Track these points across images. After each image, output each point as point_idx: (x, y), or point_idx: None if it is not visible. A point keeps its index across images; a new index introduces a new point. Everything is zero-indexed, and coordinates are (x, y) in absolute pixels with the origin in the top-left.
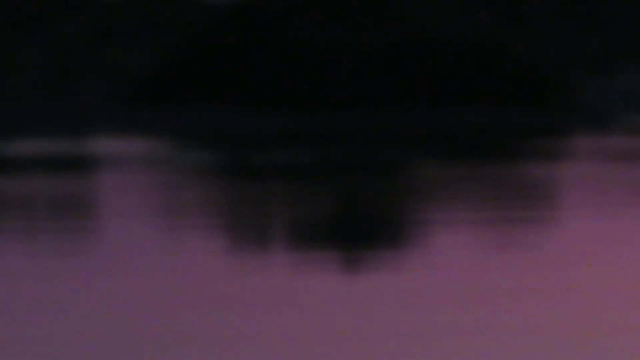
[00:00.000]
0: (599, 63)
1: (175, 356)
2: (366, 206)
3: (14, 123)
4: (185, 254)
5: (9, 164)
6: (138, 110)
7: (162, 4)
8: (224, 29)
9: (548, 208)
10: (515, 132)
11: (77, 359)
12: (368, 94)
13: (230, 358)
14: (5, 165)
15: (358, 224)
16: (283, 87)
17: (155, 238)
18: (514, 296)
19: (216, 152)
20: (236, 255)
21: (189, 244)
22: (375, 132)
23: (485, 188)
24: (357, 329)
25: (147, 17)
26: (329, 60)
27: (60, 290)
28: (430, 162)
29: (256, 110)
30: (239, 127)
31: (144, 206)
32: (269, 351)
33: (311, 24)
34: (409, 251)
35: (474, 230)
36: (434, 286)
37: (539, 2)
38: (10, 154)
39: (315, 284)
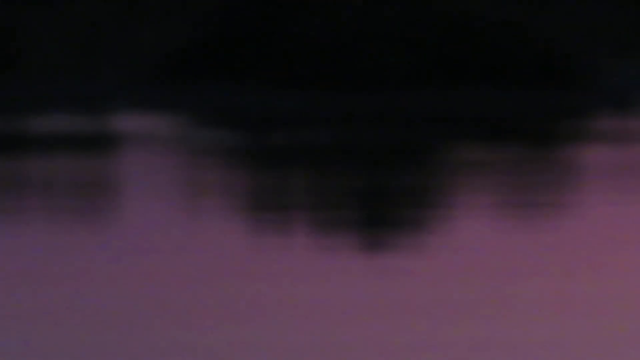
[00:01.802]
0: (622, 44)
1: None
2: (389, 189)
3: (36, 99)
4: (206, 236)
5: (30, 141)
6: (161, 87)
7: None
8: (248, 7)
9: (572, 192)
10: (538, 114)
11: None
12: (391, 75)
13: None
14: (26, 142)
15: (382, 206)
16: (307, 66)
17: (176, 219)
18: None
19: (238, 131)
20: (258, 238)
21: (210, 225)
22: (397, 114)
23: (509, 171)
24: (378, 309)
25: None
26: (353, 40)
27: (80, 270)
28: (453, 145)
29: (281, 89)
30: (263, 106)
31: (166, 186)
32: (293, 330)
33: (335, 2)
34: (432, 234)
35: (497, 214)
36: (454, 269)
37: None
38: (32, 130)
39: (337, 266)
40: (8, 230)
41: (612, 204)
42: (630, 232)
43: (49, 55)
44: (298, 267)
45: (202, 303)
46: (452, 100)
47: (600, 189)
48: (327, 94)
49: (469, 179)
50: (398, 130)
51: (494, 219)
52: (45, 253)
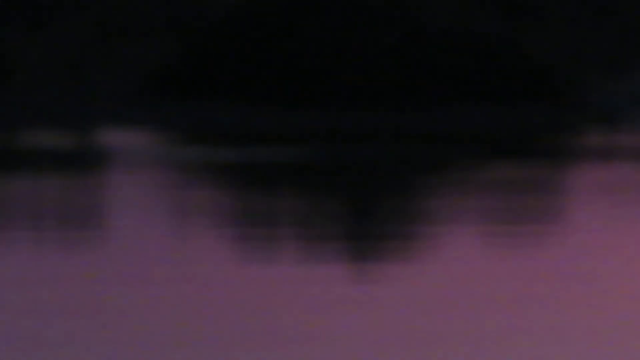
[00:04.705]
0: (610, 62)
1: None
2: (366, 208)
3: (25, 117)
4: (193, 256)
5: (18, 157)
6: (146, 105)
7: (171, 1)
8: (232, 27)
9: (558, 210)
10: (525, 130)
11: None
12: (375, 92)
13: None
14: (14, 158)
15: (363, 226)
16: (290, 85)
17: (162, 238)
18: (519, 303)
19: (222, 148)
20: (243, 260)
21: (197, 244)
22: (380, 131)
23: (493, 188)
24: (366, 335)
25: (156, 14)
26: (335, 58)
27: (65, 293)
28: (438, 163)
29: (264, 107)
30: (247, 124)
31: (151, 203)
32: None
33: (318, 22)
34: (413, 259)
35: (480, 236)
36: (436, 295)
37: (552, 0)
38: (20, 146)
39: (324, 290)
40: None
41: (602, 221)
42: (615, 245)
43: (37, 74)
44: (284, 290)
45: (193, 330)
46: (441, 117)
47: (589, 207)
48: (313, 112)
49: (455, 199)
50: (386, 148)
51: (481, 241)
52: (32, 274)
